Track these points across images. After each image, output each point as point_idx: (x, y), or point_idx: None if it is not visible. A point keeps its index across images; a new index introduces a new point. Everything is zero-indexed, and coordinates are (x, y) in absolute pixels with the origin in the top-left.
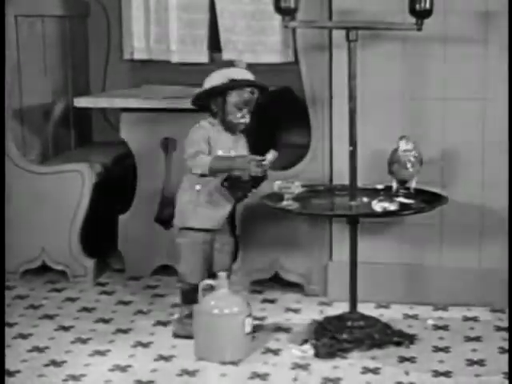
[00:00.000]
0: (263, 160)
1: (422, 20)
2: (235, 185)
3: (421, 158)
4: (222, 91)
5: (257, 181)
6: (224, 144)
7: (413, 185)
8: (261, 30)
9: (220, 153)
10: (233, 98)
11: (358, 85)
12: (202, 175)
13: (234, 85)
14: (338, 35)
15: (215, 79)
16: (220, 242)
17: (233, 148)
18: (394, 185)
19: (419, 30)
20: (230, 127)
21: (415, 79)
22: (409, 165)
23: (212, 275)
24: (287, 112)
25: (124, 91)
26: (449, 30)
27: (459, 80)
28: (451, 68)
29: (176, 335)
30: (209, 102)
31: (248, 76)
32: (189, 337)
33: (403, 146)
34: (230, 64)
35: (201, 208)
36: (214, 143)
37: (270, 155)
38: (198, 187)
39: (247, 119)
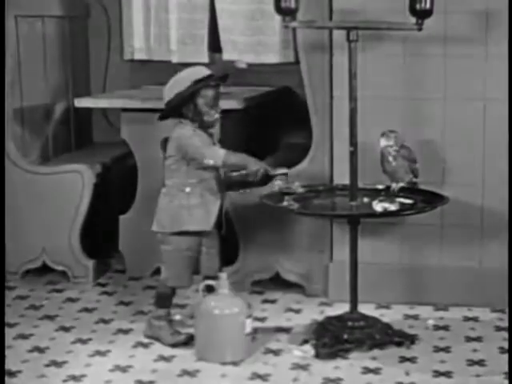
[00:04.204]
0: (275, 175)
1: (423, 20)
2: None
3: (412, 156)
4: (189, 96)
5: (255, 183)
6: (206, 142)
7: (398, 185)
8: (261, 30)
9: None
10: (202, 98)
11: (359, 85)
12: (207, 168)
13: (200, 86)
14: (339, 35)
15: (178, 86)
16: (206, 246)
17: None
18: (393, 185)
19: (419, 30)
20: (207, 126)
21: (415, 79)
22: (391, 159)
23: (208, 277)
24: (287, 112)
25: (124, 91)
26: (449, 30)
27: (459, 80)
28: (451, 68)
29: (145, 335)
30: (180, 110)
31: (205, 71)
32: (156, 338)
33: (383, 142)
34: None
35: (195, 210)
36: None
37: (280, 174)
38: (187, 189)
39: (219, 112)
